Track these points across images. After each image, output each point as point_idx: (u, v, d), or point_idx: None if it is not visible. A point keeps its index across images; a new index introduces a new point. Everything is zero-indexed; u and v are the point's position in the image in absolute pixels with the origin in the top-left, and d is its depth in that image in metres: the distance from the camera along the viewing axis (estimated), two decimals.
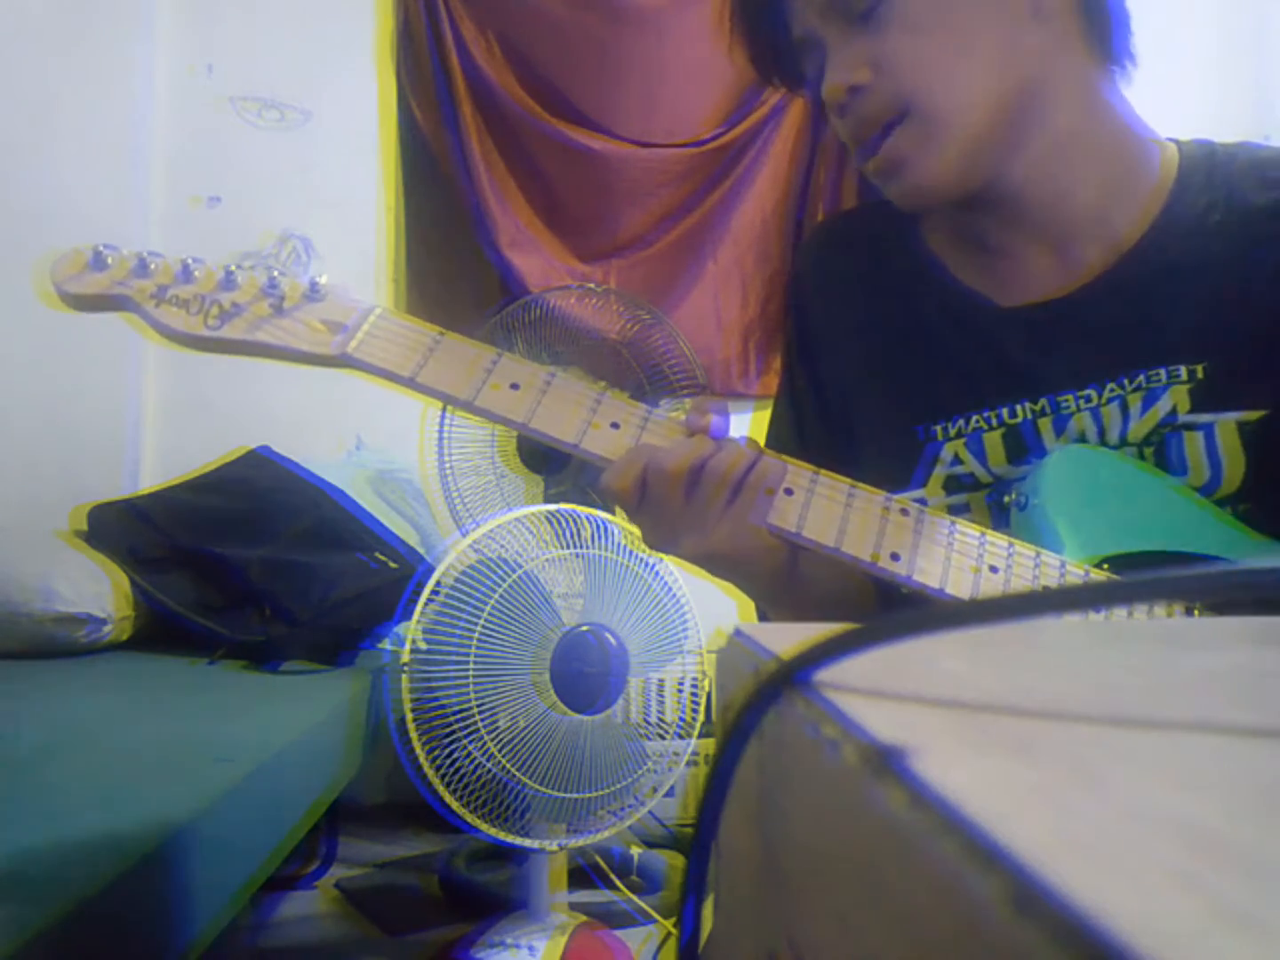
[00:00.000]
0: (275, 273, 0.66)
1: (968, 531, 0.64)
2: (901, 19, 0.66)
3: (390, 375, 0.65)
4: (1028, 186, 0.70)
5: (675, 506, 0.64)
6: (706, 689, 1.77)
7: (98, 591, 1.90)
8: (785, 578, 0.72)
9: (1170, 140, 0.75)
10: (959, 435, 0.73)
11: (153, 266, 0.66)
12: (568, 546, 1.66)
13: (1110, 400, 0.69)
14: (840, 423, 0.77)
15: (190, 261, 0.66)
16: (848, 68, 0.67)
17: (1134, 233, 0.71)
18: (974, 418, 0.72)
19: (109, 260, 0.66)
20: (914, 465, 0.74)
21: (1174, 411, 0.68)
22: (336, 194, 2.56)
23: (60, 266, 0.66)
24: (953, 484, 0.73)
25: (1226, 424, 0.67)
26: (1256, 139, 2.62)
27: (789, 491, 0.64)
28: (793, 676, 0.23)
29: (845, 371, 0.79)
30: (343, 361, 0.65)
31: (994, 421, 0.72)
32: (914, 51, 0.66)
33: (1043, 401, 0.71)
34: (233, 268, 0.66)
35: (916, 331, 0.76)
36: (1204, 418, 0.67)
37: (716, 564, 0.69)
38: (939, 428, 0.73)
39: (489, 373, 0.65)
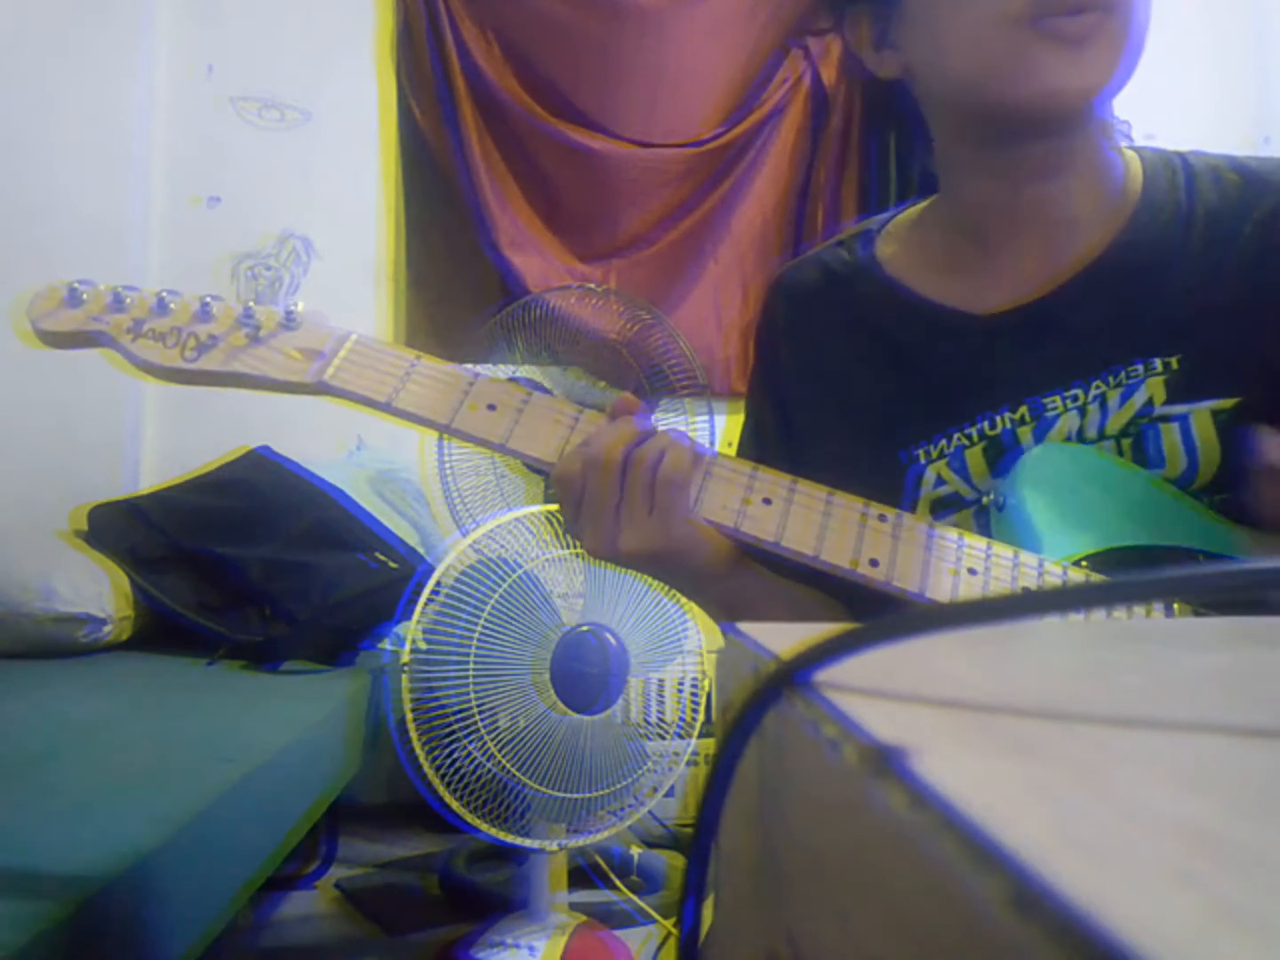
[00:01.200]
0: (250, 302, 0.67)
1: (946, 535, 0.64)
2: None
3: (367, 401, 0.65)
4: (1045, 177, 0.70)
5: (610, 500, 0.65)
6: (706, 689, 1.77)
7: (98, 591, 1.90)
8: (736, 589, 0.72)
9: (1130, 148, 0.76)
10: (940, 456, 0.73)
11: (128, 301, 0.66)
12: (568, 546, 1.66)
13: (1094, 399, 0.70)
14: (811, 464, 0.76)
15: (165, 294, 0.67)
16: None
17: (1107, 236, 0.72)
18: (955, 435, 0.73)
19: (84, 296, 0.66)
20: (899, 492, 0.74)
21: (1150, 403, 0.69)
22: (336, 194, 2.56)
23: (36, 304, 0.66)
24: (940, 506, 0.73)
25: (1201, 413, 0.68)
26: (1257, 139, 2.61)
27: (767, 501, 0.64)
28: (793, 676, 0.23)
29: (820, 411, 0.79)
30: (319, 389, 0.66)
31: (975, 436, 0.72)
32: None
33: (1023, 409, 0.71)
34: (208, 299, 0.67)
35: (889, 359, 0.77)
36: (1179, 408, 0.68)
37: (658, 566, 0.68)
38: (920, 450, 0.74)
39: (465, 395, 0.66)
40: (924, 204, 0.81)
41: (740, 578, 0.73)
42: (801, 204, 2.61)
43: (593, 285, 2.10)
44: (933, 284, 0.77)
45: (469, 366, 0.69)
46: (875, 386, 0.77)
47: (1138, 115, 2.37)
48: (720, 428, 2.02)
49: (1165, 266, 0.70)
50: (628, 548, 0.66)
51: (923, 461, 0.74)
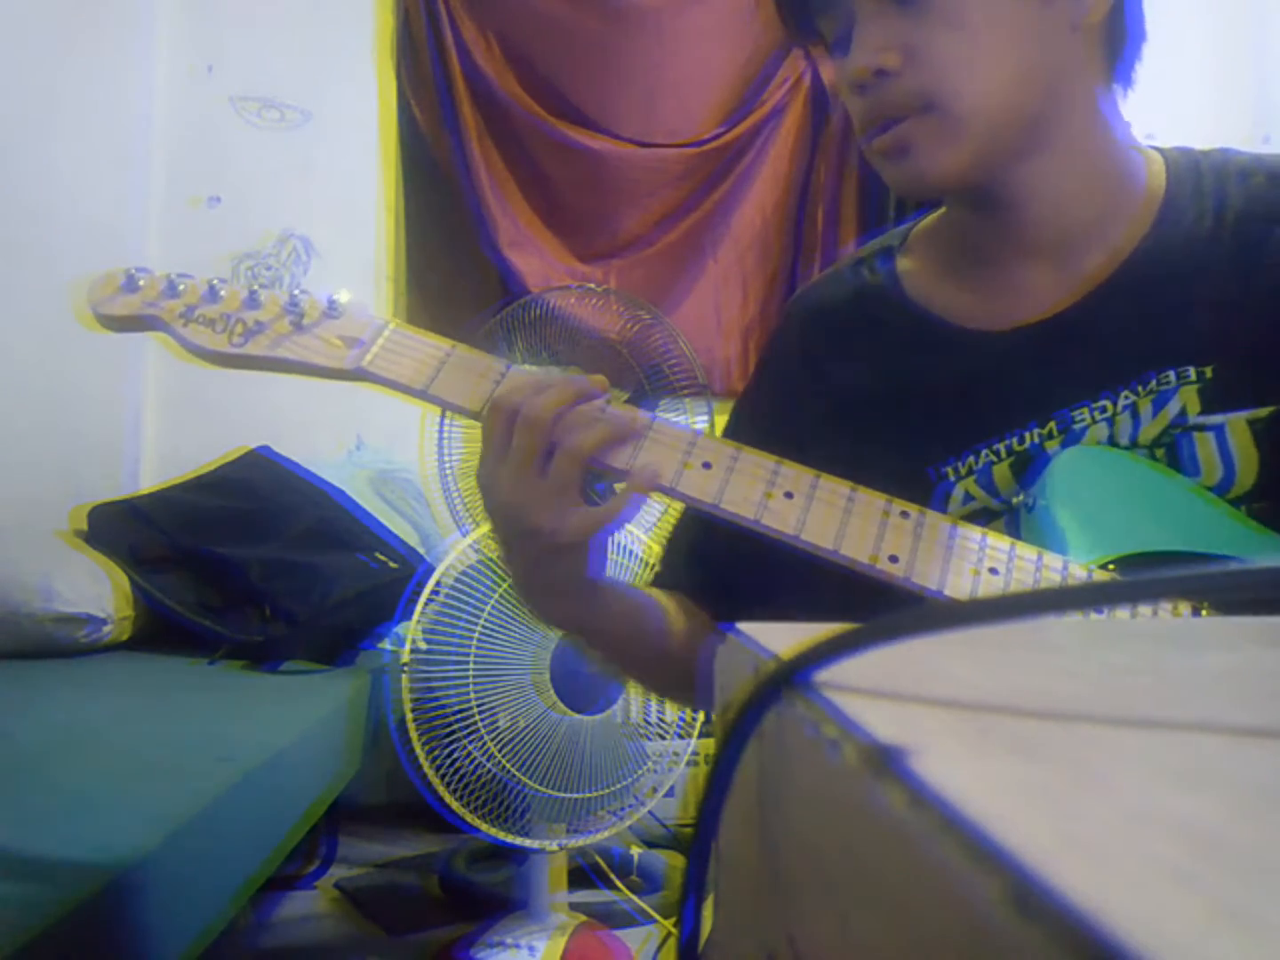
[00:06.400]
0: (297, 291, 0.69)
1: (969, 534, 0.64)
2: (943, 8, 0.64)
3: (404, 388, 0.67)
4: (1030, 196, 0.70)
5: (500, 449, 0.63)
6: None
7: (98, 591, 1.90)
8: (580, 587, 0.68)
9: (1153, 149, 0.75)
10: (969, 473, 0.72)
11: (182, 288, 0.70)
12: None
13: (1124, 409, 0.69)
14: None
15: (216, 282, 0.70)
16: (877, 48, 0.65)
17: (1130, 241, 0.71)
18: (983, 451, 0.72)
19: (141, 282, 0.70)
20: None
21: (1184, 413, 0.68)
22: (336, 194, 2.56)
23: (96, 289, 0.70)
24: (970, 520, 0.72)
25: (1237, 422, 0.67)
26: (1257, 139, 2.61)
27: (789, 495, 0.64)
28: (793, 676, 0.23)
29: (842, 431, 0.78)
30: (358, 375, 0.68)
31: (1003, 452, 0.71)
32: (951, 46, 0.65)
33: (1051, 424, 0.70)
34: (256, 287, 0.70)
35: (913, 378, 0.76)
36: (1214, 418, 0.67)
37: (514, 525, 0.64)
38: (949, 468, 0.73)
39: (496, 384, 0.67)
40: (936, 214, 0.81)
41: (582, 581, 0.68)
42: (801, 204, 2.61)
43: (593, 285, 2.10)
44: (953, 301, 0.76)
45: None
46: (900, 406, 0.76)
47: (1138, 115, 2.37)
48: (720, 428, 2.02)
49: (1193, 272, 0.69)
50: (496, 501, 0.64)
51: (951, 479, 0.73)
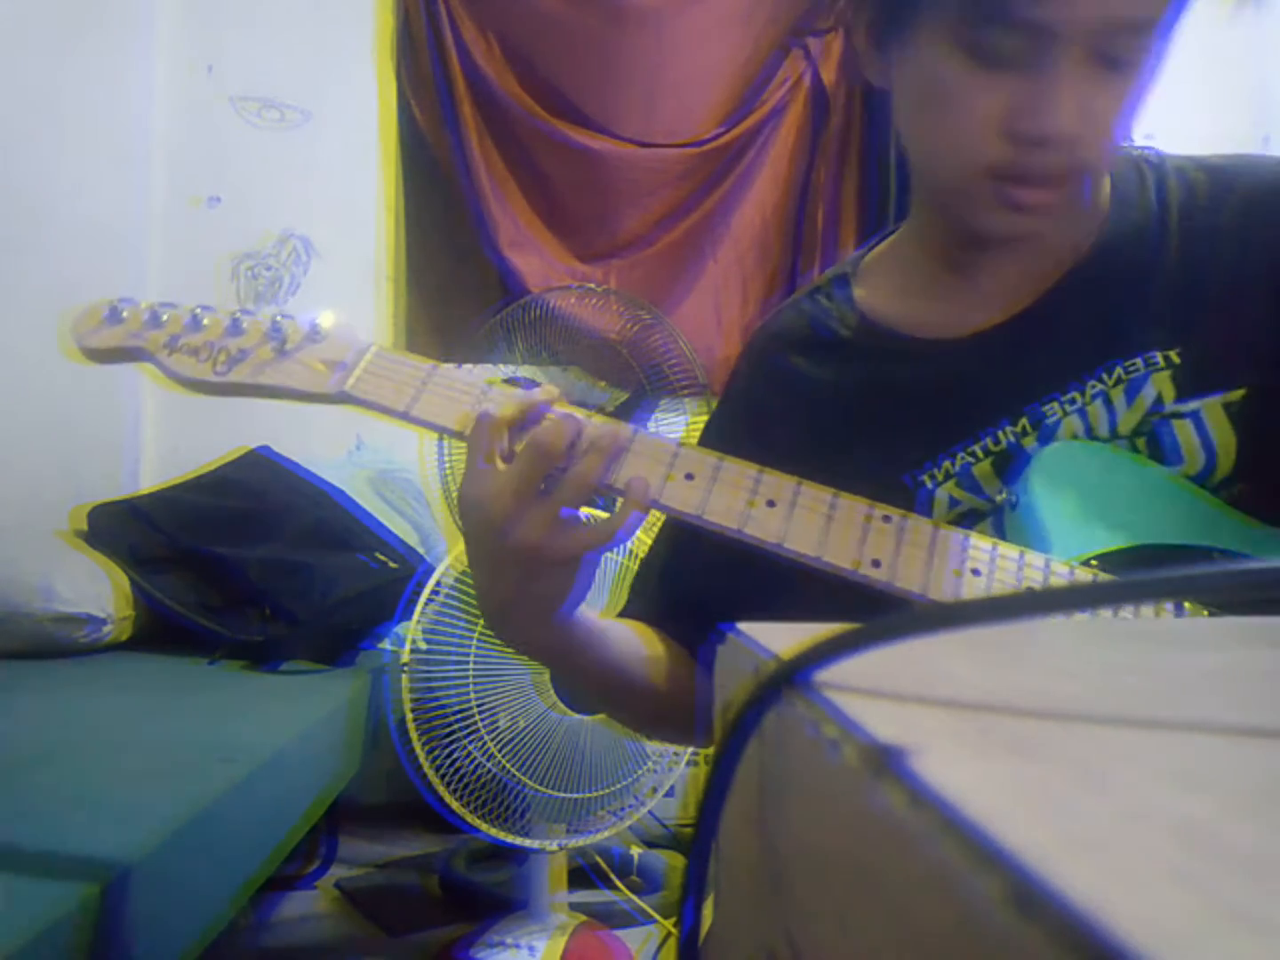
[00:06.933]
0: (278, 317, 0.69)
1: (951, 536, 0.64)
2: (1139, 84, 0.63)
3: (386, 409, 0.67)
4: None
5: (492, 463, 0.62)
6: None
7: (98, 591, 1.90)
8: (565, 628, 0.67)
9: None
10: (947, 477, 0.73)
11: (164, 318, 0.70)
12: None
13: (1095, 397, 0.70)
14: None
15: (199, 311, 0.70)
16: (1076, 114, 0.61)
17: (1085, 241, 0.73)
18: (959, 454, 0.72)
19: (124, 314, 0.70)
20: None
21: (1160, 400, 0.69)
22: (336, 194, 2.56)
23: (80, 322, 0.70)
24: (960, 523, 0.72)
25: (1213, 406, 0.68)
26: (1257, 139, 2.61)
27: (771, 504, 0.64)
28: (793, 676, 0.23)
29: (815, 456, 0.73)
30: (341, 398, 0.68)
31: (980, 453, 0.72)
32: (1122, 118, 0.63)
33: (1023, 420, 0.71)
34: (238, 314, 0.70)
35: (879, 395, 0.76)
36: (1190, 404, 0.68)
37: (497, 539, 0.62)
38: (925, 474, 0.73)
39: (476, 403, 0.67)
40: (894, 236, 0.82)
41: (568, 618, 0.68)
42: (801, 204, 2.61)
43: (593, 285, 2.10)
44: (911, 316, 0.77)
45: (478, 369, 0.69)
46: (868, 419, 0.76)
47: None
48: None
49: (1146, 264, 0.71)
50: (482, 520, 0.62)
51: (929, 485, 0.73)
